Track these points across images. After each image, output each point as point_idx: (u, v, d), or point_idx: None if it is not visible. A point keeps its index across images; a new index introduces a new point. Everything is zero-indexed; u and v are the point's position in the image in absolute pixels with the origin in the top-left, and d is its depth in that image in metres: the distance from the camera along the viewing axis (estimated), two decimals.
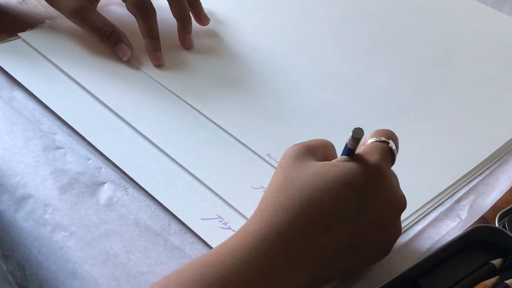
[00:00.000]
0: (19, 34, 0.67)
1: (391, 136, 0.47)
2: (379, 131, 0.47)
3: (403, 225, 0.50)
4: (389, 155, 0.45)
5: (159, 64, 0.65)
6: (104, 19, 0.65)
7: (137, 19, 0.66)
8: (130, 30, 0.66)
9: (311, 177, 0.42)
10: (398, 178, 0.54)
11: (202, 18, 0.70)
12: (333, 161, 0.44)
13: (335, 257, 0.43)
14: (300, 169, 0.43)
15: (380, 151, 0.44)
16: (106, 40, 0.64)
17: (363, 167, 0.43)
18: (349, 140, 0.43)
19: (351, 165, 0.43)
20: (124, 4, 0.67)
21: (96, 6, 0.69)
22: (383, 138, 0.46)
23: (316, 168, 0.43)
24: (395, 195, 0.45)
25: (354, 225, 0.42)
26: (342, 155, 0.45)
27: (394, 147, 0.46)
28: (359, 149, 0.45)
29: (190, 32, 0.68)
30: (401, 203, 0.45)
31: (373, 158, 0.44)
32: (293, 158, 0.44)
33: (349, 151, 0.44)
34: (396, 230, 0.46)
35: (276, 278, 0.41)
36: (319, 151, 0.46)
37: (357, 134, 0.42)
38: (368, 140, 0.46)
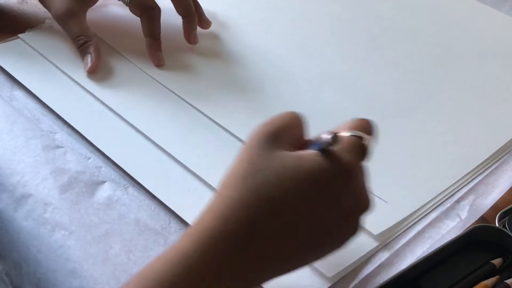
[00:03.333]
0: (19, 35, 0.67)
1: (368, 128, 0.44)
2: (356, 121, 0.44)
3: (402, 224, 0.51)
4: (363, 153, 0.43)
5: (159, 64, 0.65)
6: (83, 28, 0.65)
7: (141, 19, 0.65)
8: (129, 30, 0.66)
9: (279, 171, 0.39)
10: (398, 178, 0.54)
11: (204, 22, 0.70)
12: (303, 155, 0.41)
13: (293, 256, 0.40)
14: (268, 159, 0.40)
15: (355, 148, 0.42)
16: (78, 49, 0.64)
17: (336, 166, 0.40)
18: (324, 143, 0.40)
19: (322, 162, 0.40)
20: (124, 4, 0.66)
21: (86, 10, 0.67)
22: (359, 133, 0.43)
23: (285, 161, 0.40)
24: (362, 196, 0.42)
25: (318, 226, 0.40)
26: (313, 148, 0.41)
27: (369, 144, 0.43)
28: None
29: (196, 28, 0.68)
30: (366, 205, 0.43)
31: (347, 156, 0.41)
32: (260, 145, 0.41)
33: (322, 148, 0.41)
34: (355, 228, 0.43)
35: (227, 280, 0.38)
36: (289, 134, 0.42)
37: (335, 141, 0.40)
38: (342, 131, 0.43)
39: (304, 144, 0.43)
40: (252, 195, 0.39)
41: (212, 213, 0.39)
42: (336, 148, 0.41)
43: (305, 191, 0.39)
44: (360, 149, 0.42)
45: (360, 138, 0.42)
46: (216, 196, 0.40)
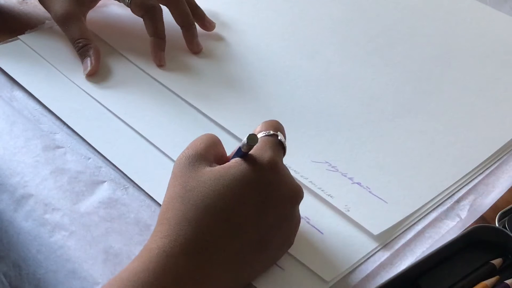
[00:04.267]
0: (18, 37, 0.67)
1: (279, 127, 0.47)
2: (266, 123, 0.47)
3: (402, 225, 0.51)
4: (280, 148, 0.46)
5: (160, 64, 0.65)
6: (82, 30, 0.64)
7: (144, 19, 0.65)
8: (129, 30, 0.66)
9: (211, 183, 0.42)
10: (398, 178, 0.54)
11: (207, 24, 0.70)
12: (228, 164, 0.44)
13: (247, 258, 0.43)
14: (197, 177, 0.43)
15: (271, 145, 0.45)
16: (78, 52, 0.64)
17: (259, 165, 0.43)
18: (243, 145, 0.43)
19: (246, 164, 0.43)
20: (125, 5, 0.66)
21: (87, 12, 0.68)
22: (271, 132, 0.46)
23: (213, 174, 0.43)
24: (291, 186, 0.45)
25: (260, 222, 0.43)
26: (235, 157, 0.45)
27: (283, 139, 0.46)
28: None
29: (197, 36, 0.67)
30: (298, 192, 0.45)
31: (266, 154, 0.44)
32: (187, 167, 0.44)
33: (243, 154, 0.44)
34: (296, 219, 0.46)
35: None
36: (210, 153, 0.45)
37: (253, 141, 0.43)
38: (257, 134, 0.45)
39: (227, 159, 0.46)
40: (191, 210, 0.41)
41: (158, 235, 0.41)
42: (254, 150, 0.44)
43: (241, 193, 0.42)
44: (276, 145, 0.45)
45: (274, 135, 0.46)
46: (159, 221, 0.43)
